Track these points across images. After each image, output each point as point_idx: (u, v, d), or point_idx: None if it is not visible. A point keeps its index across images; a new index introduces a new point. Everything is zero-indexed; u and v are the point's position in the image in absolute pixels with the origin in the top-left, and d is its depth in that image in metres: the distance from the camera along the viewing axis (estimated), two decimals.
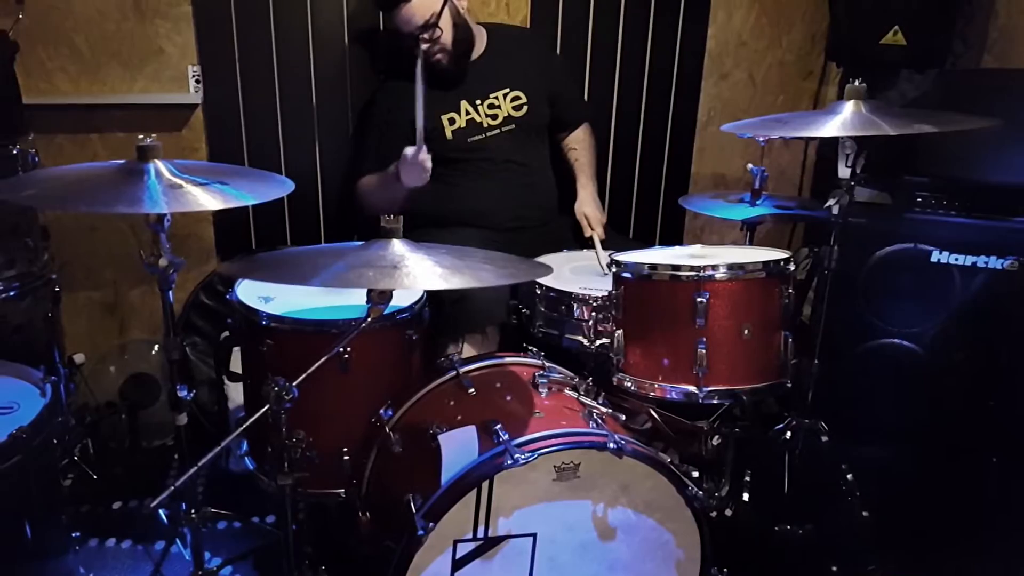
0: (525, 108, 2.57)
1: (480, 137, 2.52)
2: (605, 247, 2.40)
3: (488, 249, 1.71)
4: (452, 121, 2.50)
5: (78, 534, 2.00)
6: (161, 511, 2.05)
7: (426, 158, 2.24)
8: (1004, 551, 2.10)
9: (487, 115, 2.53)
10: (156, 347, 2.82)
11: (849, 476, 2.14)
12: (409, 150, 2.24)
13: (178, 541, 2.03)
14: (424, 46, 2.35)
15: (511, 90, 2.56)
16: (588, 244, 2.50)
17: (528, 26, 2.85)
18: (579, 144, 2.77)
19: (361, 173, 2.58)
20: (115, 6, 2.55)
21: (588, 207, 2.61)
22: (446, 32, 2.40)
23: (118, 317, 2.87)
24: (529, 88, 2.57)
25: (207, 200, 1.55)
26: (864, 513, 2.10)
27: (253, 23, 2.65)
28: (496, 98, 2.55)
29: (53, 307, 2.30)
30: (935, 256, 2.28)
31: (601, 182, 3.07)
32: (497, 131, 2.54)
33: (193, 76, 2.66)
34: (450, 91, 2.51)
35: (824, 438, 2.14)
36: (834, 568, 2.05)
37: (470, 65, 2.53)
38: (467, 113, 2.51)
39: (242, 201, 1.60)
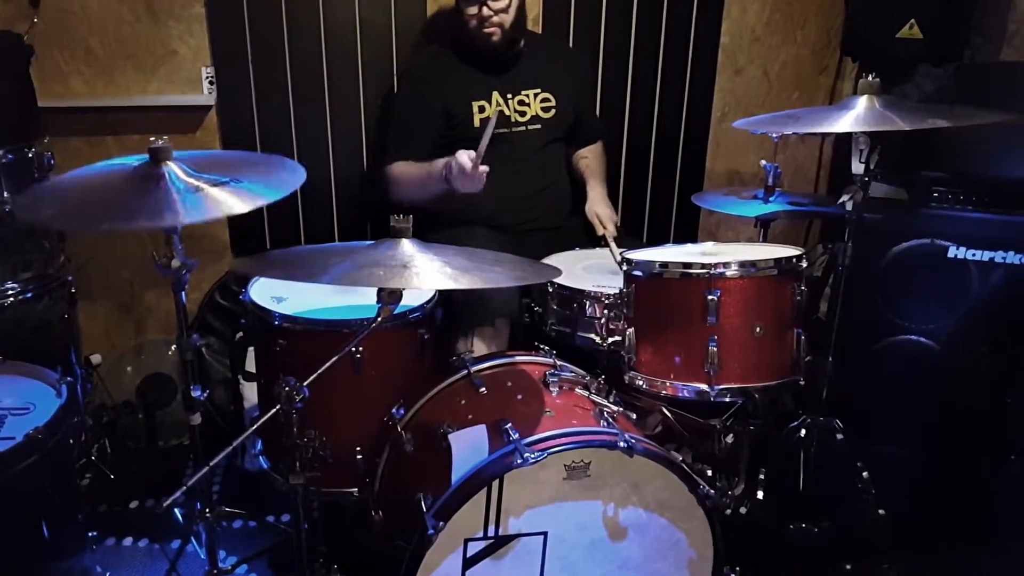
0: (553, 111, 2.60)
1: (506, 131, 2.53)
2: (618, 247, 2.39)
3: (498, 250, 1.71)
4: (482, 109, 2.52)
5: (95, 533, 2.03)
6: (176, 510, 2.07)
7: (484, 170, 2.17)
8: (1021, 550, 2.07)
9: (516, 111, 2.55)
10: (172, 347, 2.83)
11: (864, 474, 2.12)
12: (464, 157, 2.16)
13: (193, 540, 2.04)
14: (487, 13, 2.39)
15: (542, 91, 2.59)
16: (601, 244, 2.50)
17: (540, 23, 2.85)
18: (591, 154, 2.81)
19: (391, 156, 2.56)
20: (129, 8, 2.58)
21: (599, 206, 2.61)
22: (511, 14, 2.45)
23: (134, 317, 2.89)
24: (559, 93, 2.61)
25: (227, 205, 1.51)
26: (879, 512, 2.08)
27: (266, 24, 2.67)
28: (527, 96, 2.57)
29: (70, 308, 2.32)
30: (952, 252, 2.26)
31: (615, 180, 3.07)
32: (523, 128, 2.55)
33: (207, 77, 2.68)
34: (486, 80, 2.53)
35: (839, 436, 2.12)
36: (848, 567, 2.04)
37: (510, 60, 2.55)
38: (497, 105, 2.53)
39: (261, 198, 1.56)
